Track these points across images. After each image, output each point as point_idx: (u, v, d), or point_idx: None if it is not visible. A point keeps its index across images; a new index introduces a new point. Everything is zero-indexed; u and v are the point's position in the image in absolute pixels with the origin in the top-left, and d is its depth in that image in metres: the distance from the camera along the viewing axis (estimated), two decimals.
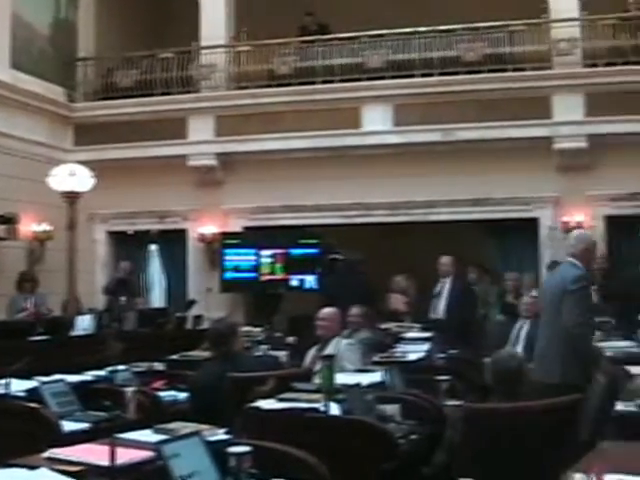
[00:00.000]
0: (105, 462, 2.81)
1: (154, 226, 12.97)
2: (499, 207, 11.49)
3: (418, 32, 11.80)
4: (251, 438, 3.23)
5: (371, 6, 12.70)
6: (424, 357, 7.23)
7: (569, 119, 11.11)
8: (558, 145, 11.17)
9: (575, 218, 11.09)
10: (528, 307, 8.03)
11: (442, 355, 7.48)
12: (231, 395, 4.83)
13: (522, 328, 7.93)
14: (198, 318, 10.98)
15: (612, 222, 11.07)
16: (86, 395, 4.88)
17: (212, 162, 12.44)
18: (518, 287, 10.01)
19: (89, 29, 13.19)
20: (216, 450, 2.84)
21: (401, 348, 7.63)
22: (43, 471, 2.83)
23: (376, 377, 5.18)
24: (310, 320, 6.74)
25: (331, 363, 4.48)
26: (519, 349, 7.31)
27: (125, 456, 2.93)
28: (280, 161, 12.01)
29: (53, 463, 2.94)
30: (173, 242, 13.05)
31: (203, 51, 12.46)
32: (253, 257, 12.38)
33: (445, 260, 9.71)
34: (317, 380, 4.86)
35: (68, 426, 4.31)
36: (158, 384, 5.85)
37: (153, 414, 4.54)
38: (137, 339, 9.29)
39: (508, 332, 8.06)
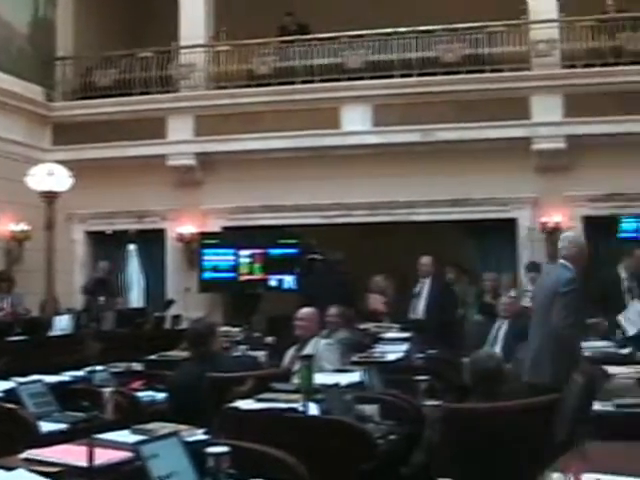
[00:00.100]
0: (83, 463, 2.81)
1: (133, 226, 12.94)
2: (478, 207, 11.53)
3: (397, 33, 11.83)
4: (229, 438, 3.21)
5: (351, 6, 12.71)
6: (403, 357, 7.26)
7: (548, 120, 11.16)
8: (537, 146, 11.23)
9: (553, 219, 11.17)
10: (506, 307, 8.08)
11: (421, 355, 7.49)
12: (210, 395, 4.82)
13: (500, 328, 7.96)
14: (176, 318, 10.98)
15: (590, 222, 11.13)
16: (64, 395, 4.84)
17: (191, 162, 12.40)
18: (496, 287, 10.07)
19: (68, 28, 13.10)
20: (194, 450, 2.83)
21: (380, 348, 7.65)
22: (21, 472, 2.82)
23: (355, 377, 5.19)
24: (289, 320, 6.73)
25: (310, 363, 4.49)
26: (497, 349, 7.35)
27: (103, 457, 2.93)
28: (259, 161, 11.99)
29: (31, 464, 2.93)
30: (152, 242, 13.00)
31: (182, 51, 12.43)
32: (232, 257, 12.36)
33: (425, 260, 9.76)
34: (296, 380, 4.85)
35: (46, 427, 4.28)
36: (136, 384, 5.82)
37: (131, 414, 4.52)
38: (115, 339, 9.26)
39: (486, 332, 8.08)
